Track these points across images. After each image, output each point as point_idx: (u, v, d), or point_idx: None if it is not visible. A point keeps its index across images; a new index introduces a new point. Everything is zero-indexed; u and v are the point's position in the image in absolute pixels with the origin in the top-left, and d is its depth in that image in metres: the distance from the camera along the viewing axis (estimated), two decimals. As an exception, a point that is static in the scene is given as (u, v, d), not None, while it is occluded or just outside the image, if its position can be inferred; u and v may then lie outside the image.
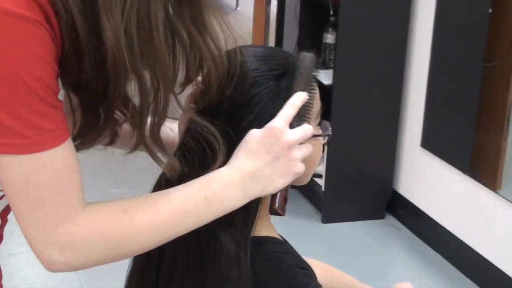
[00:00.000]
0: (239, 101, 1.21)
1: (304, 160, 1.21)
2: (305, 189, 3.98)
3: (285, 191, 1.21)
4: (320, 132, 1.30)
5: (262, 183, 1.17)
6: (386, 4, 3.53)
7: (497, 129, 3.16)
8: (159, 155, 1.15)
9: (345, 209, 3.79)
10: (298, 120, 1.20)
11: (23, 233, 1.06)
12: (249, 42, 4.71)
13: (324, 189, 3.75)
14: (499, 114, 3.14)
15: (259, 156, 1.17)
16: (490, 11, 3.07)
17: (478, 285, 3.25)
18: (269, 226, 1.30)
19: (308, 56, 1.25)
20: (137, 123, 1.11)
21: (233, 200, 1.16)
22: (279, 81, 1.23)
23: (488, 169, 3.27)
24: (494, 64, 3.14)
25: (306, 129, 1.20)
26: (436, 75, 3.43)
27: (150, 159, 1.18)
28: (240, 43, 1.30)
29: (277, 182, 1.18)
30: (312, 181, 3.90)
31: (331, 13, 3.78)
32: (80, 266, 1.07)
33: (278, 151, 1.17)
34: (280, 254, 1.24)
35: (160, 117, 1.12)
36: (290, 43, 4.10)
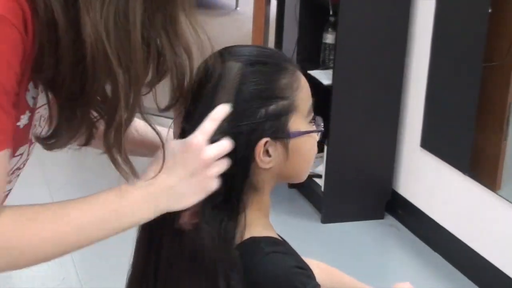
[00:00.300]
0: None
1: (297, 159, 1.26)
2: (304, 189, 3.98)
3: (196, 206, 1.20)
4: (313, 128, 1.30)
5: (174, 199, 1.17)
6: (386, 4, 3.53)
7: (497, 129, 3.16)
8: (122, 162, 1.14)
9: (345, 209, 3.79)
10: (219, 134, 1.19)
11: None
12: (249, 42, 4.71)
13: (324, 189, 3.75)
14: (499, 114, 3.14)
15: (174, 172, 1.16)
16: (489, 11, 3.07)
17: (477, 285, 3.25)
18: (267, 226, 1.31)
19: (234, 67, 1.24)
20: (108, 121, 1.11)
21: (143, 214, 1.16)
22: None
23: (487, 169, 3.27)
24: (494, 64, 3.14)
25: (225, 145, 1.19)
26: (436, 75, 3.43)
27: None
28: (222, 45, 1.31)
29: (189, 199, 1.18)
30: (311, 181, 3.90)
31: (331, 13, 3.78)
32: None
33: (195, 168, 1.17)
34: (279, 254, 1.24)
35: (129, 117, 1.11)
36: (289, 43, 4.10)
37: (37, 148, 1.19)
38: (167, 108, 1.22)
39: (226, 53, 1.29)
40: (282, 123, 1.24)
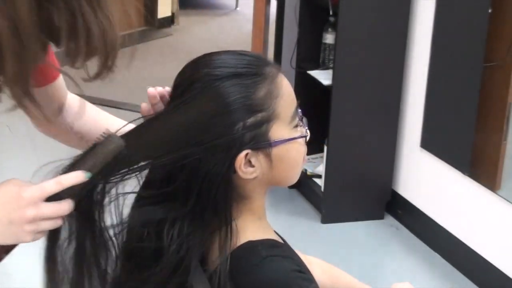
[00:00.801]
0: None
1: (282, 166, 1.24)
2: (304, 189, 3.98)
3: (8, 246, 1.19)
4: (297, 134, 1.27)
5: None
6: (386, 5, 3.53)
7: (497, 130, 3.16)
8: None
9: (345, 210, 3.79)
10: (62, 195, 1.16)
11: None
12: (249, 42, 4.71)
13: (324, 189, 3.75)
14: (499, 114, 3.14)
15: None
16: (490, 11, 3.07)
17: (477, 285, 3.25)
18: (265, 228, 1.30)
19: (114, 141, 1.19)
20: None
21: None
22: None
23: (487, 170, 3.27)
24: (494, 65, 3.14)
25: (61, 208, 1.16)
26: (436, 75, 3.43)
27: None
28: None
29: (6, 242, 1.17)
30: (311, 181, 3.90)
31: (331, 13, 3.78)
32: None
33: (15, 218, 1.14)
34: (276, 257, 1.23)
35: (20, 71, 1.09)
36: (289, 43, 4.09)
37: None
38: (95, 76, 1.21)
39: (201, 63, 1.27)
40: (263, 133, 1.21)
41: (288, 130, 1.25)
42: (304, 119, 1.30)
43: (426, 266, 3.43)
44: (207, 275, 1.25)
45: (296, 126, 1.27)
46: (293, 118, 1.26)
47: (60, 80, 1.46)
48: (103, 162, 1.17)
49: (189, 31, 7.57)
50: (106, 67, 1.17)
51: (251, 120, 1.20)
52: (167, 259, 1.21)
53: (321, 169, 3.81)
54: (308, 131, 1.29)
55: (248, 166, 1.21)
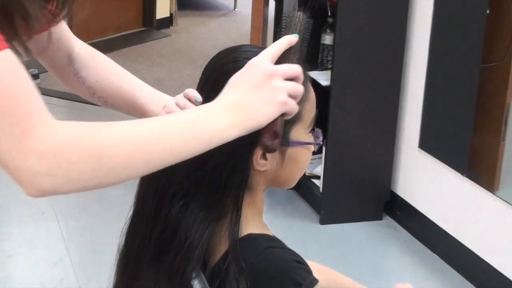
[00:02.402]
0: None
1: (291, 167, 1.28)
2: (303, 190, 3.99)
3: (274, 126, 1.20)
4: (311, 139, 1.32)
5: (247, 112, 1.14)
6: (384, 5, 3.54)
7: (495, 130, 3.17)
8: None
9: (343, 210, 3.79)
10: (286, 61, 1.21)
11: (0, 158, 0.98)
12: (247, 43, 4.71)
13: (322, 190, 3.75)
14: (497, 115, 3.15)
15: (240, 87, 1.16)
16: (487, 12, 3.08)
17: (475, 286, 3.25)
18: (262, 226, 1.33)
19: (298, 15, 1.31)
20: None
21: (220, 126, 1.12)
22: None
23: (486, 171, 3.28)
24: (492, 65, 3.15)
25: (294, 67, 1.21)
26: (434, 76, 3.44)
27: None
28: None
29: (262, 110, 1.15)
30: (310, 182, 3.90)
31: (329, 14, 3.79)
32: (65, 179, 0.99)
33: (259, 79, 1.16)
34: (276, 248, 1.26)
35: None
36: (288, 44, 4.10)
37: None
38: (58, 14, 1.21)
39: (233, 56, 1.29)
40: (285, 131, 1.25)
41: (305, 134, 1.30)
42: (318, 129, 1.34)
43: (425, 266, 3.43)
44: (207, 273, 1.27)
45: (310, 132, 1.32)
46: (311, 123, 1.31)
47: (63, 25, 1.42)
48: (304, 29, 1.30)
49: (188, 32, 7.58)
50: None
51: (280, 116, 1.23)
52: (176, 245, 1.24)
53: (319, 170, 3.81)
54: (321, 141, 1.34)
55: (262, 158, 1.25)
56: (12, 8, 1.06)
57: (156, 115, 1.34)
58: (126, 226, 1.33)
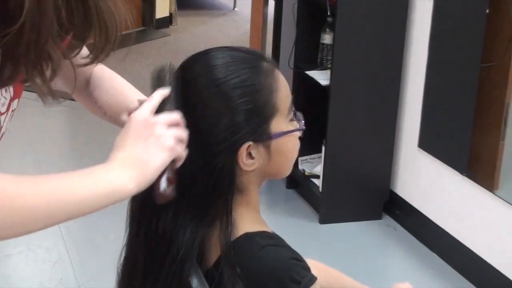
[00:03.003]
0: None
1: (280, 158, 1.28)
2: (302, 190, 3.99)
3: (168, 173, 1.21)
4: (294, 127, 1.31)
5: (139, 167, 1.16)
6: (384, 5, 3.53)
7: (494, 130, 3.17)
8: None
9: (343, 210, 3.79)
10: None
11: None
12: (247, 43, 4.72)
13: (322, 190, 3.75)
14: (496, 114, 3.15)
15: (126, 142, 1.18)
16: (487, 11, 3.08)
17: (475, 285, 3.25)
18: (258, 221, 1.33)
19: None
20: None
21: (119, 182, 1.15)
22: None
23: (485, 170, 3.28)
24: (492, 65, 3.15)
25: (173, 114, 1.21)
26: (434, 75, 3.44)
27: None
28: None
29: (153, 161, 1.17)
30: (309, 181, 3.90)
31: (329, 13, 3.78)
32: None
33: (143, 131, 1.18)
34: (274, 247, 1.26)
35: (38, 39, 1.07)
36: (287, 44, 4.10)
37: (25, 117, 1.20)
38: (93, 59, 1.21)
39: (202, 59, 1.29)
40: (264, 126, 1.26)
41: (286, 123, 1.29)
42: (299, 113, 1.33)
43: (424, 266, 3.43)
44: (203, 272, 1.28)
45: (291, 120, 1.31)
46: (289, 111, 1.30)
47: (84, 51, 1.45)
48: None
49: (187, 31, 7.57)
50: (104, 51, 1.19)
51: (252, 113, 1.24)
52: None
53: (319, 169, 3.81)
54: (304, 124, 1.33)
55: (248, 158, 1.25)
56: (40, 57, 1.09)
57: None
58: (125, 239, 1.33)
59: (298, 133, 1.32)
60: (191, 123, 1.23)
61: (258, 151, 1.26)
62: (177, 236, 1.25)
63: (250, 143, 1.24)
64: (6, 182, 1.06)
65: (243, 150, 1.24)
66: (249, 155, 1.25)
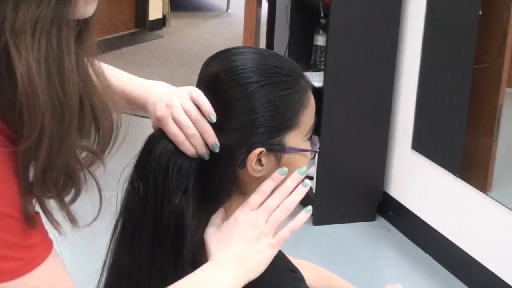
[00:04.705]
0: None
1: (287, 174, 1.27)
2: (296, 191, 3.98)
3: None
4: (308, 147, 1.32)
5: (247, 264, 1.20)
6: (377, 6, 3.54)
7: (488, 131, 3.17)
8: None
9: (336, 211, 3.79)
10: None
11: None
12: (240, 44, 4.71)
13: (315, 191, 3.75)
14: (489, 116, 3.15)
15: (232, 241, 1.22)
16: (480, 13, 3.08)
17: (468, 286, 3.26)
18: None
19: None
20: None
21: (226, 286, 1.18)
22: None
23: (478, 171, 3.28)
24: (484, 66, 3.15)
25: (285, 234, 1.29)
26: (427, 77, 3.44)
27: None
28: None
29: (259, 259, 1.22)
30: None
31: (322, 15, 3.79)
32: None
33: (250, 233, 1.23)
34: None
35: (55, 160, 0.99)
36: (281, 45, 4.10)
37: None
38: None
39: (248, 54, 1.30)
40: (281, 137, 1.25)
41: (302, 141, 1.29)
42: (316, 137, 1.34)
43: (417, 267, 3.44)
44: None
45: (308, 140, 1.31)
46: (309, 131, 1.30)
47: None
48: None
49: (181, 33, 7.57)
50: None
51: (277, 121, 1.25)
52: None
53: (312, 170, 3.81)
54: (318, 148, 1.35)
55: (258, 164, 1.25)
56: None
57: (142, 100, 1.33)
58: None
59: (309, 156, 1.32)
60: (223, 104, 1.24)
61: (268, 160, 1.26)
62: (184, 229, 1.25)
63: (263, 149, 1.24)
64: None
65: (255, 154, 1.24)
66: (259, 161, 1.25)
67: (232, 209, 1.28)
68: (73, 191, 1.05)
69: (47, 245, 1.01)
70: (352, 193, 3.78)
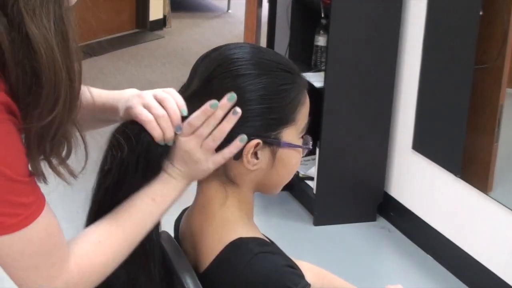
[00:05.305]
0: None
1: (280, 170, 1.32)
2: (296, 192, 3.99)
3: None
4: (301, 144, 1.34)
5: (189, 165, 1.27)
6: (378, 7, 3.54)
7: (488, 132, 3.17)
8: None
9: (337, 212, 3.79)
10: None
11: None
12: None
13: (316, 191, 3.75)
14: (490, 116, 3.15)
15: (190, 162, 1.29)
16: (481, 13, 3.08)
17: (468, 286, 3.26)
18: (253, 228, 1.34)
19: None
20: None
21: (176, 193, 1.29)
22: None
23: (479, 172, 3.28)
24: (485, 67, 3.15)
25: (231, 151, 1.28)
26: (427, 77, 3.44)
27: None
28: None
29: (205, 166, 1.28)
30: (303, 183, 3.90)
31: (323, 15, 3.79)
32: None
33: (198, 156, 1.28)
34: (268, 254, 1.26)
35: (65, 119, 1.12)
36: (281, 46, 4.10)
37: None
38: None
39: (251, 49, 1.33)
40: (278, 131, 1.28)
41: (297, 138, 1.32)
42: (308, 136, 1.36)
43: (418, 268, 3.44)
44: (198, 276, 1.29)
45: (302, 137, 1.34)
46: (303, 130, 1.33)
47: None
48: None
49: (181, 33, 7.57)
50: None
51: (275, 114, 1.27)
52: None
53: (313, 171, 3.81)
54: (311, 145, 1.37)
55: (253, 157, 1.27)
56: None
57: (116, 100, 1.38)
58: None
59: (302, 153, 1.35)
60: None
61: (264, 154, 1.28)
62: None
63: (260, 141, 1.26)
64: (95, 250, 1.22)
65: (251, 145, 1.26)
66: (255, 154, 1.27)
67: (229, 201, 1.30)
68: (66, 150, 1.17)
69: (41, 201, 1.13)
70: (352, 193, 3.78)
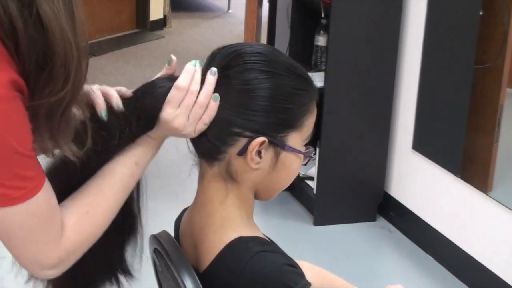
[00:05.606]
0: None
1: (281, 173, 1.32)
2: (297, 192, 3.99)
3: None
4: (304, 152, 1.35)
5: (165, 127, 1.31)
6: (378, 7, 3.54)
7: (488, 132, 3.17)
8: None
9: (337, 211, 3.79)
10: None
11: (19, 264, 1.26)
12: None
13: (316, 191, 3.75)
14: (490, 116, 3.15)
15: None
16: (481, 13, 3.08)
17: (468, 286, 3.26)
18: (252, 227, 1.34)
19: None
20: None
21: (151, 156, 1.33)
22: None
23: (479, 172, 3.28)
24: (485, 67, 3.15)
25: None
26: (427, 77, 3.44)
27: None
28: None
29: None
30: (304, 183, 3.90)
31: (323, 15, 3.79)
32: (70, 266, 1.24)
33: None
34: (268, 253, 1.26)
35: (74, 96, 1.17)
36: (281, 46, 4.10)
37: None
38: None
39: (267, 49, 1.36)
40: (285, 133, 1.29)
41: (300, 145, 1.33)
42: (311, 147, 1.38)
43: (418, 268, 3.44)
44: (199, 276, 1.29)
45: (305, 145, 1.35)
46: (307, 138, 1.35)
47: None
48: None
49: (182, 33, 7.58)
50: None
51: (284, 115, 1.29)
52: None
53: (313, 171, 3.81)
54: (313, 154, 1.39)
55: (257, 155, 1.28)
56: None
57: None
58: None
59: (302, 160, 1.36)
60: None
61: (267, 154, 1.29)
62: None
63: (265, 139, 1.27)
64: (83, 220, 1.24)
65: (257, 142, 1.27)
66: (259, 153, 1.28)
67: (229, 199, 1.31)
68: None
69: (42, 175, 1.17)
70: (352, 193, 3.78)
